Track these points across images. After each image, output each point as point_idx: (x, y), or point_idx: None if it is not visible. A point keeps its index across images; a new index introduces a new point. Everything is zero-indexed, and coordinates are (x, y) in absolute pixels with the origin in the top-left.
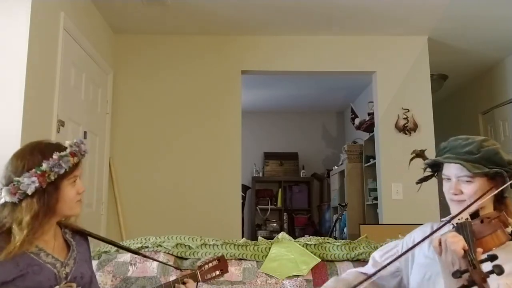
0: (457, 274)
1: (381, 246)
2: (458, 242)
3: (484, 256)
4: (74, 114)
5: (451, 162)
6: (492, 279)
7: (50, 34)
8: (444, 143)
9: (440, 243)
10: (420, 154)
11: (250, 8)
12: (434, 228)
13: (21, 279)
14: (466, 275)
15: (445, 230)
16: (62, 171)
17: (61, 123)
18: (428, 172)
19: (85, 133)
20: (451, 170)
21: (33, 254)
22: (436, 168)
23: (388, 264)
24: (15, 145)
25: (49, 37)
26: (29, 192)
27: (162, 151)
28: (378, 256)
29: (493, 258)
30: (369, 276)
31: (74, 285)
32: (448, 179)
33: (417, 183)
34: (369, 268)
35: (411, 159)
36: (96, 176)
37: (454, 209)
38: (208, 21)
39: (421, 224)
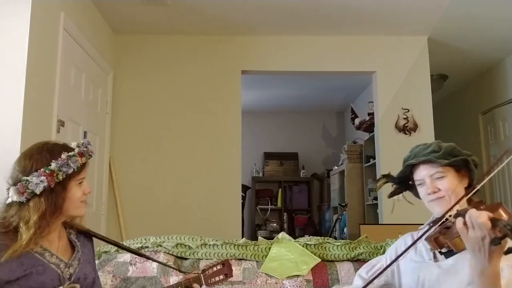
0: (496, 241)
1: (381, 246)
2: (482, 214)
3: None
4: (74, 114)
5: (421, 159)
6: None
7: (50, 34)
8: (407, 154)
9: (464, 223)
10: (387, 176)
11: (250, 8)
12: (415, 237)
13: (24, 278)
14: (505, 241)
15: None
16: (71, 171)
17: (61, 123)
18: (398, 187)
19: (85, 133)
20: (422, 172)
21: (38, 254)
22: (405, 182)
23: (380, 273)
24: (15, 145)
25: (49, 37)
26: (38, 191)
27: (162, 151)
28: (364, 273)
29: None
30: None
31: (78, 286)
32: (422, 182)
33: (389, 197)
34: (357, 286)
35: (380, 186)
36: (96, 176)
37: (436, 209)
38: (208, 21)
39: (421, 224)
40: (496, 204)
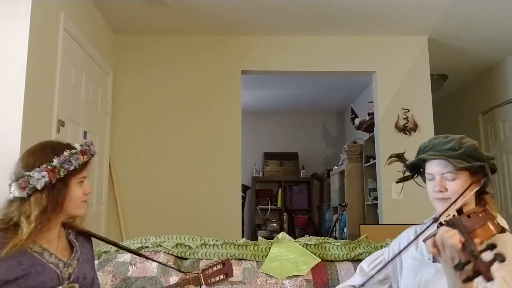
0: (459, 266)
1: (381, 246)
2: (453, 236)
3: (483, 246)
4: (74, 114)
5: (437, 158)
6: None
7: (50, 34)
8: (425, 142)
9: (434, 245)
10: (399, 156)
11: (250, 8)
12: (418, 232)
13: (23, 278)
14: (468, 267)
15: (430, 231)
16: (72, 167)
17: (61, 123)
18: (408, 173)
19: (85, 133)
20: (434, 168)
21: (37, 254)
22: (416, 169)
23: (377, 272)
24: (15, 145)
25: (49, 37)
26: (39, 186)
27: (162, 151)
28: (366, 266)
29: (493, 246)
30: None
31: (77, 285)
32: (432, 177)
33: (397, 182)
34: (356, 279)
35: (389, 162)
36: (96, 176)
37: (439, 207)
38: (208, 21)
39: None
40: (486, 216)
